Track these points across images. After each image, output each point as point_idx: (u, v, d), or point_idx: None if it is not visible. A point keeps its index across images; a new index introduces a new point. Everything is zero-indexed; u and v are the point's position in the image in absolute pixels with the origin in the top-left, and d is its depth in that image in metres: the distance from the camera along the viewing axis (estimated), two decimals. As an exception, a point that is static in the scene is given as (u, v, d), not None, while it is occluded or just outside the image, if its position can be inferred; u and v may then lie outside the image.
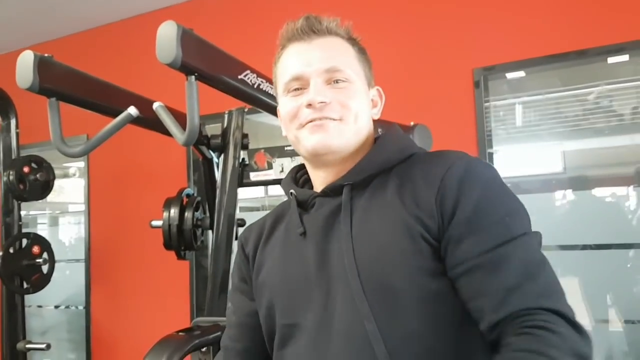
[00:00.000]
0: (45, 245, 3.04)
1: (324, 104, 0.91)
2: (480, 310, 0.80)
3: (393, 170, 0.93)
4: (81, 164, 4.19)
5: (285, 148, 1.99)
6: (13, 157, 2.97)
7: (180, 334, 1.38)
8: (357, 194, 0.93)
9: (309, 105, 0.91)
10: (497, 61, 2.67)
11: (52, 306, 4.45)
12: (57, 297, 4.28)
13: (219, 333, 1.44)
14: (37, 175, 2.91)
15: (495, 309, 0.78)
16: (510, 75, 2.69)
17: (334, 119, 0.92)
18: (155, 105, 1.32)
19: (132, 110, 1.41)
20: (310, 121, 0.92)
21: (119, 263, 3.93)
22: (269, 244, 1.03)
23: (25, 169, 2.89)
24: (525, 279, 0.78)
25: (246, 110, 2.01)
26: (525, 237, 0.82)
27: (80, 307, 4.35)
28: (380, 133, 1.02)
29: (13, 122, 2.99)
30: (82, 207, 4.20)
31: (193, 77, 1.26)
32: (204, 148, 2.10)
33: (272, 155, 1.97)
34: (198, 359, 1.46)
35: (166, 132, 1.50)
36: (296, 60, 0.95)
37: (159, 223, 2.34)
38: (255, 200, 4.28)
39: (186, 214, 2.26)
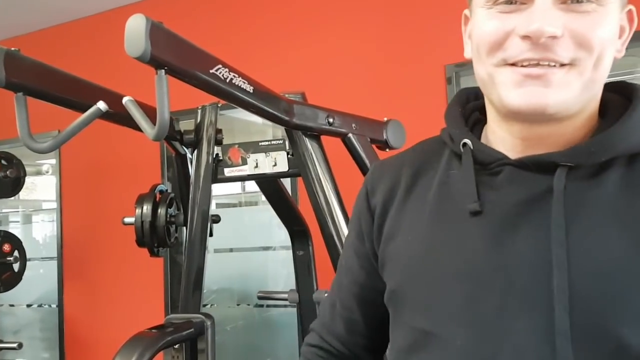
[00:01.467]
0: (16, 243, 2.99)
1: (554, 39, 0.59)
2: None
3: None
4: (53, 160, 4.13)
5: (260, 143, 1.99)
6: (-18, 153, 2.92)
7: (152, 331, 1.37)
8: (578, 182, 0.62)
9: (528, 38, 0.59)
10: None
11: (24, 305, 4.38)
12: (30, 296, 4.22)
13: (191, 330, 1.44)
14: (7, 172, 2.86)
15: None
16: (482, 72, 2.72)
17: (562, 64, 0.60)
18: (125, 100, 1.31)
19: (102, 105, 1.40)
20: (525, 64, 0.61)
21: (92, 260, 3.89)
22: (408, 205, 0.73)
23: (-5, 166, 2.84)
24: None
25: (220, 105, 2.00)
26: None
27: (53, 305, 4.29)
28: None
29: (-19, 117, 2.93)
30: (55, 205, 4.13)
31: (163, 71, 1.25)
32: (177, 144, 2.09)
33: (247, 151, 1.97)
34: (171, 356, 1.46)
35: (137, 127, 1.49)
36: None
37: (131, 220, 2.32)
38: (232, 196, 4.26)
39: (159, 210, 2.25)
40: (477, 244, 0.64)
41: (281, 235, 3.44)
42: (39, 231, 4.55)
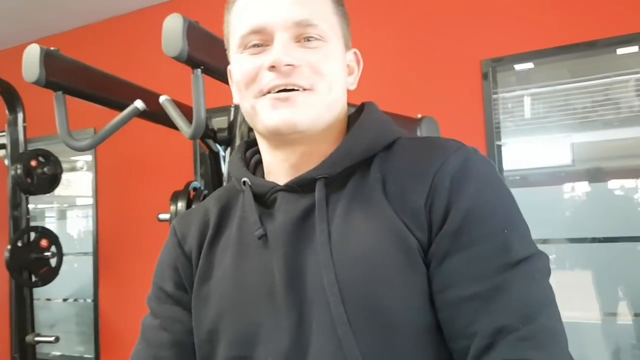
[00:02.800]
0: (53, 238, 3.05)
1: (292, 68, 0.71)
2: (462, 352, 0.64)
3: (375, 161, 0.74)
4: (89, 157, 4.21)
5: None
6: (20, 150, 2.98)
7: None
8: (333, 191, 0.74)
9: (273, 68, 0.71)
10: (505, 53, 2.64)
11: (60, 299, 4.48)
12: (65, 290, 4.32)
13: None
14: (45, 169, 2.92)
15: (477, 355, 0.63)
16: (518, 67, 2.67)
17: (303, 89, 0.72)
18: (162, 99, 1.32)
19: (139, 104, 1.41)
20: (273, 89, 0.72)
21: (126, 256, 3.95)
22: (219, 244, 0.80)
23: (33, 163, 2.90)
24: (522, 322, 0.61)
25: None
26: (530, 261, 0.65)
27: (89, 300, 4.38)
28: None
29: (20, 115, 2.99)
30: (90, 201, 4.22)
31: (199, 70, 1.25)
32: (210, 141, 2.10)
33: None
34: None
35: (172, 125, 1.50)
36: (257, 6, 0.74)
37: (166, 216, 2.35)
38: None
39: (193, 207, 2.27)
40: (274, 265, 0.72)
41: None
42: (73, 226, 4.64)
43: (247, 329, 0.73)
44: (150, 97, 1.60)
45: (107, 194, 4.08)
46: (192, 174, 3.71)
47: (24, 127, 3.02)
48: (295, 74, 0.72)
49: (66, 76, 1.50)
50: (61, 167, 3.04)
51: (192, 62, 1.22)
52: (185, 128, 1.23)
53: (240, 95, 0.78)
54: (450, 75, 2.73)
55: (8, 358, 4.47)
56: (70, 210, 4.88)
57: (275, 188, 0.77)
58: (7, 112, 3.00)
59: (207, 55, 1.29)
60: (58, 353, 4.20)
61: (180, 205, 2.27)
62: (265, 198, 0.78)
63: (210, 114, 2.06)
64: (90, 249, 4.10)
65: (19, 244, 2.92)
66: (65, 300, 4.59)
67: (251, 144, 0.88)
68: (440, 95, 2.72)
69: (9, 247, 2.86)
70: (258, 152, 0.84)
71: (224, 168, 2.04)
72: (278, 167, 0.79)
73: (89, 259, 4.09)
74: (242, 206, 0.80)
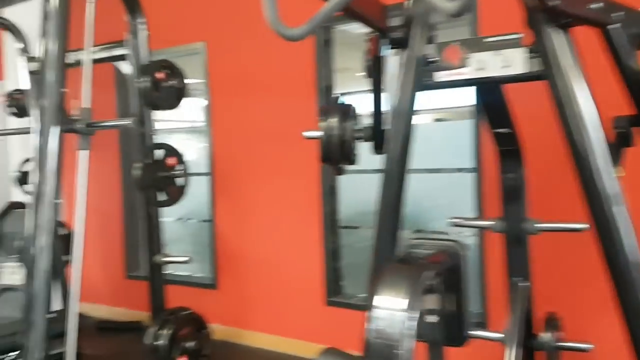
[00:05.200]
0: (179, 157, 2.89)
1: None
2: None
3: None
4: (199, 80, 3.99)
5: (486, 40, 1.62)
6: (144, 62, 2.78)
7: (404, 264, 1.12)
8: None
9: None
10: None
11: (173, 219, 4.47)
12: (178, 210, 4.27)
13: (451, 261, 1.18)
14: (171, 82, 2.71)
15: None
16: None
17: None
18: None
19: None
20: None
21: (242, 177, 3.80)
22: None
23: (159, 75, 2.69)
24: None
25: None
26: None
27: (202, 220, 4.33)
28: None
29: (142, 23, 2.77)
30: (203, 122, 4.06)
31: None
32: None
33: (469, 49, 1.61)
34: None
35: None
36: None
37: (313, 134, 2.08)
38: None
39: (346, 123, 2.00)
40: None
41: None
42: (187, 147, 4.55)
43: None
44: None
45: (222, 115, 3.90)
46: (314, 92, 3.42)
47: (146, 35, 2.80)
48: None
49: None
50: (186, 80, 2.83)
51: None
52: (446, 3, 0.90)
53: None
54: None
55: (122, 278, 4.57)
56: (182, 132, 4.80)
57: None
58: (128, 18, 2.79)
59: None
60: (176, 272, 4.21)
61: (333, 120, 2.01)
62: None
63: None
64: (205, 169, 3.98)
65: (147, 161, 2.78)
66: (179, 219, 4.58)
67: None
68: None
69: (138, 164, 2.73)
70: None
71: (397, 74, 1.72)
72: None
73: (202, 180, 3.98)
74: None
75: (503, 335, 1.70)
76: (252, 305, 3.79)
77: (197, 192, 4.00)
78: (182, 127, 4.85)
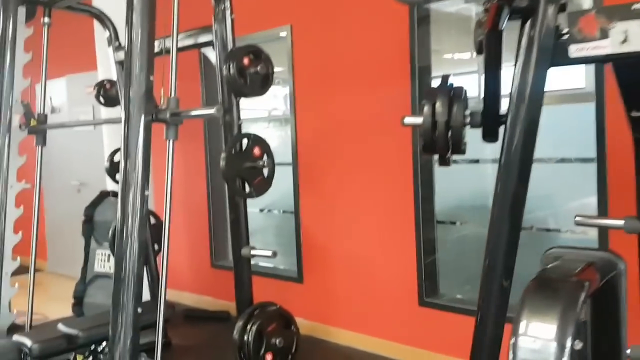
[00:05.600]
0: (265, 147, 2.77)
1: None
2: None
3: None
4: (282, 68, 3.87)
5: (635, 7, 1.35)
6: (230, 47, 2.67)
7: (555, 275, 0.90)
8: None
9: None
10: None
11: (257, 209, 4.40)
12: (262, 201, 4.19)
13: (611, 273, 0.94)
14: (257, 68, 2.59)
15: None
16: None
17: None
18: None
19: None
20: None
21: (327, 167, 3.65)
22: None
23: (245, 61, 2.58)
24: None
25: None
26: None
27: (285, 211, 4.23)
28: None
29: (228, 6, 2.66)
30: (287, 111, 3.95)
31: None
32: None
33: (610, 19, 1.34)
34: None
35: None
36: None
37: (414, 120, 1.86)
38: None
39: (455, 107, 1.76)
40: None
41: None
42: (270, 137, 4.48)
43: None
44: None
45: (306, 103, 3.76)
46: (408, 77, 3.19)
47: (232, 20, 2.69)
48: None
49: None
50: (272, 65, 2.70)
51: None
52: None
53: None
54: None
55: (209, 267, 4.58)
56: (264, 122, 4.72)
57: None
58: (213, 3, 2.69)
59: None
60: (260, 264, 4.15)
61: (440, 105, 1.79)
62: None
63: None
64: (287, 159, 3.86)
65: (233, 152, 2.68)
66: (261, 210, 4.52)
67: None
68: None
69: (224, 154, 2.64)
70: None
71: (520, 48, 1.48)
72: None
73: (286, 170, 3.86)
74: None
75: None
76: (338, 301, 3.65)
77: (281, 182, 3.91)
78: (265, 117, 4.75)
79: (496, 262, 1.41)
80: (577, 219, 1.96)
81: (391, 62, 3.25)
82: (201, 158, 4.53)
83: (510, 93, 1.52)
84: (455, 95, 1.78)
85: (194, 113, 2.27)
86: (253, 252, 2.81)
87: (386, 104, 3.25)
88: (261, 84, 2.65)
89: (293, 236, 3.89)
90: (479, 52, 1.79)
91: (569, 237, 3.00)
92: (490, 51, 1.66)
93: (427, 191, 3.22)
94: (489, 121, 1.64)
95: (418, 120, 1.84)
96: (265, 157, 2.79)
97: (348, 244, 3.55)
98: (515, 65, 1.52)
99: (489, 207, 1.47)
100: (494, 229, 1.47)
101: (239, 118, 2.76)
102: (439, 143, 1.76)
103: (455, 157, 1.83)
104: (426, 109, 1.79)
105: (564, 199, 3.19)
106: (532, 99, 1.46)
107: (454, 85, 1.88)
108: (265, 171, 2.79)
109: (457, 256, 3.39)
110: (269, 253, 2.74)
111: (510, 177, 1.45)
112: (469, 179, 3.44)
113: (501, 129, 1.57)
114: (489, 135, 1.71)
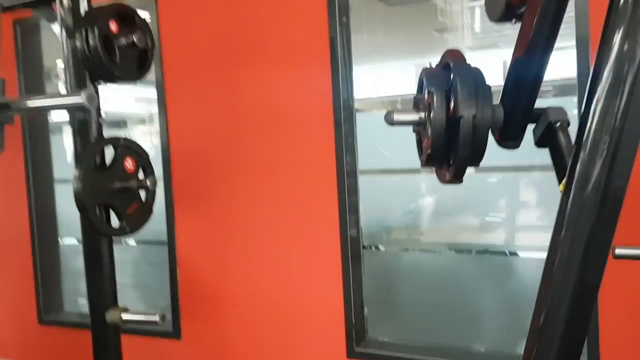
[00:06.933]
0: (142, 157, 1.88)
1: None
2: None
3: None
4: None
5: None
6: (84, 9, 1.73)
7: None
8: None
9: None
10: None
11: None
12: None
13: None
14: (134, 38, 1.69)
15: None
16: None
17: None
18: None
19: None
20: None
21: (214, 181, 2.79)
22: None
23: (112, 27, 1.66)
24: None
25: None
26: None
27: (153, 242, 3.27)
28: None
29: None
30: (152, 107, 3.01)
31: None
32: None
33: None
34: None
35: None
36: None
37: (409, 117, 1.31)
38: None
39: (480, 99, 1.22)
40: None
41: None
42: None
43: None
44: None
45: (181, 97, 2.85)
46: (327, 54, 2.47)
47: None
48: None
49: None
50: (153, 37, 1.81)
51: None
52: None
53: None
54: None
55: (37, 325, 3.42)
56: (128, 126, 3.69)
57: None
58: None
59: None
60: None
61: (463, 92, 1.16)
62: None
63: None
64: (160, 172, 2.91)
65: (93, 166, 1.75)
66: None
67: None
68: None
69: (77, 171, 1.70)
70: None
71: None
72: None
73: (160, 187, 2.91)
74: None
75: None
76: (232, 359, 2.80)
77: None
78: (116, 112, 3.72)
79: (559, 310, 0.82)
80: (618, 251, 1.52)
81: (306, 35, 2.52)
82: (19, 173, 3.32)
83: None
84: (479, 81, 1.17)
85: (39, 104, 1.32)
86: (126, 316, 1.89)
87: (299, 95, 2.53)
88: (137, 61, 1.75)
89: (166, 275, 2.94)
90: (505, 17, 1.25)
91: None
92: (544, 20, 1.11)
93: (351, 209, 2.53)
94: (517, 119, 1.20)
95: (412, 117, 1.19)
96: (141, 173, 1.90)
97: (247, 282, 2.73)
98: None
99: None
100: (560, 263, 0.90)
101: (99, 115, 1.82)
102: (462, 149, 1.13)
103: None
104: (437, 99, 1.14)
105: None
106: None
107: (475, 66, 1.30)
108: (143, 193, 1.90)
109: (384, 286, 2.80)
110: (155, 318, 1.83)
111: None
112: (397, 192, 2.87)
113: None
114: (510, 140, 1.24)
